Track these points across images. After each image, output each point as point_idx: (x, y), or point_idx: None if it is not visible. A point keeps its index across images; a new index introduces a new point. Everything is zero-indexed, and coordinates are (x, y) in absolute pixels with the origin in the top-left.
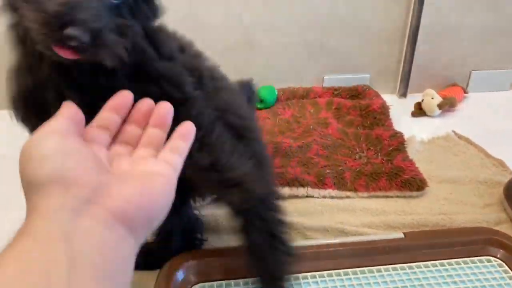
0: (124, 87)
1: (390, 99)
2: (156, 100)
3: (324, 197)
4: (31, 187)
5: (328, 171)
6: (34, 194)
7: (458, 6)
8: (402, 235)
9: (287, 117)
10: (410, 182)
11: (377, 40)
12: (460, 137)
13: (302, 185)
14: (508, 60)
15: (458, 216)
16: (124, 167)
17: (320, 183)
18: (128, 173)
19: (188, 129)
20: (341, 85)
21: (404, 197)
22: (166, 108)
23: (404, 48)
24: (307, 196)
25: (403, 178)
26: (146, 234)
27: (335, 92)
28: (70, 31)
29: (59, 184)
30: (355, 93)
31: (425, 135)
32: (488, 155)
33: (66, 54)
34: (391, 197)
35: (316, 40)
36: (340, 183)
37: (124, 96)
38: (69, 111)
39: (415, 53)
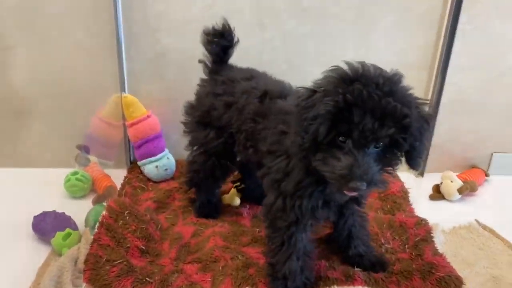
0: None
1: (406, 177)
2: None
3: None
4: None
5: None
6: None
7: (480, 84)
8: None
9: None
10: (446, 281)
11: None
12: (484, 227)
13: (327, 285)
14: None
15: None
16: None
17: (349, 279)
18: None
19: None
20: None
21: None
22: None
23: None
24: None
25: (438, 276)
26: None
27: None
28: (353, 184)
29: None
30: None
31: (445, 222)
32: None
33: (350, 193)
34: None
35: None
36: (371, 281)
37: None
38: None
39: (435, 131)
